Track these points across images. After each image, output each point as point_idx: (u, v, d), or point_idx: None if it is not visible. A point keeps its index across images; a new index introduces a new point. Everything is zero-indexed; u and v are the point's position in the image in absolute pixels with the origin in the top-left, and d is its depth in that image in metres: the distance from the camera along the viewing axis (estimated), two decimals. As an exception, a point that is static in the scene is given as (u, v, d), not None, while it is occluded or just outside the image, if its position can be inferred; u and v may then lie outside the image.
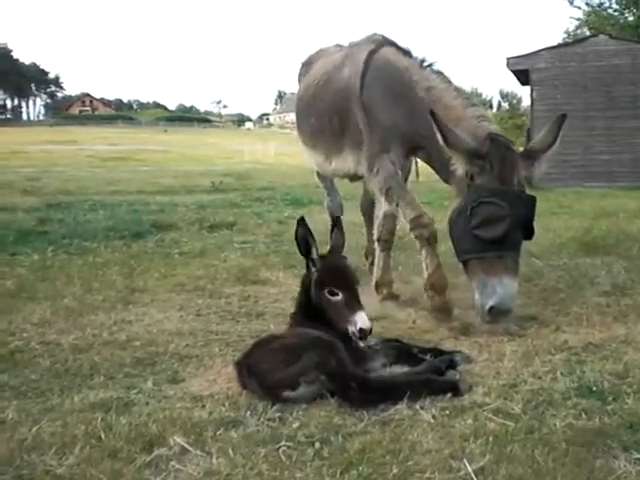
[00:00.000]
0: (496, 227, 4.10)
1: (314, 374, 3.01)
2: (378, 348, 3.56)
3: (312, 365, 3.01)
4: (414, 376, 3.23)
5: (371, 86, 5.04)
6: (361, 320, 3.41)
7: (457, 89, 4.69)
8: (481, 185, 4.20)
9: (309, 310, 3.59)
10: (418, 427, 2.79)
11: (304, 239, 3.58)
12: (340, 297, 3.50)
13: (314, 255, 3.59)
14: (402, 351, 3.60)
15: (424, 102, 4.59)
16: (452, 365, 3.43)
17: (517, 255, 4.25)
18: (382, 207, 5.10)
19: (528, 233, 4.29)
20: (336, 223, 3.86)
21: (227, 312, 4.80)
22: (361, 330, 3.39)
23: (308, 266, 3.64)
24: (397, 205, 4.91)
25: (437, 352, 3.68)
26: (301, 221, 3.61)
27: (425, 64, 4.85)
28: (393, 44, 5.19)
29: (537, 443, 2.60)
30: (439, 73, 4.79)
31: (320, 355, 3.04)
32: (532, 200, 4.25)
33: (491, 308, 4.10)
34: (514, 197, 4.15)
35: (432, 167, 4.87)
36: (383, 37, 5.35)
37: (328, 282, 3.53)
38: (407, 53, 5.05)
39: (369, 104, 5.03)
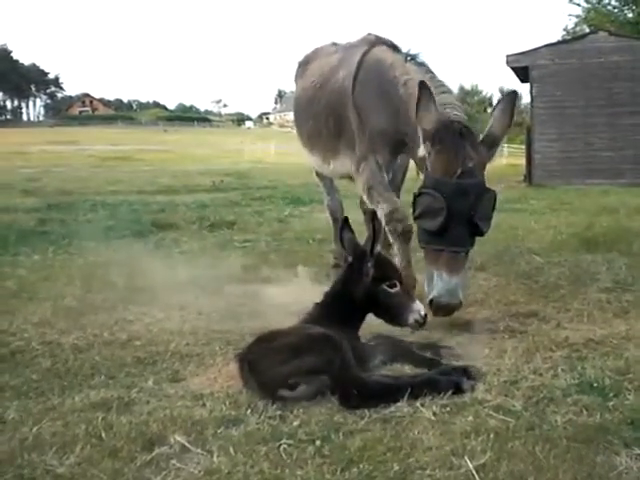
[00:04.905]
0: (433, 220, 3.99)
1: (314, 376, 3.02)
2: (376, 344, 3.56)
3: (313, 367, 3.02)
4: (416, 378, 3.22)
5: (362, 87, 5.05)
6: (422, 307, 3.56)
7: (432, 78, 4.58)
8: (427, 173, 4.16)
9: (342, 305, 3.60)
10: (419, 424, 2.78)
11: (374, 235, 3.61)
12: (399, 288, 3.58)
13: (375, 251, 3.63)
14: (399, 347, 3.60)
15: (402, 97, 4.60)
16: (467, 377, 3.28)
17: (460, 250, 4.08)
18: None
19: (476, 229, 4.08)
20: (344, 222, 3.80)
21: (228, 311, 4.79)
22: (425, 316, 3.55)
23: (361, 261, 3.62)
24: (377, 203, 4.93)
25: (434, 348, 3.69)
26: (376, 217, 3.76)
27: (409, 57, 4.83)
28: (385, 42, 5.18)
29: (538, 440, 2.60)
30: (421, 64, 4.76)
31: (324, 356, 3.03)
32: (479, 193, 4.03)
33: (430, 301, 4.07)
34: (453, 189, 3.96)
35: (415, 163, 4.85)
36: (376, 37, 5.35)
37: (388, 275, 3.60)
38: (396, 49, 5.04)
39: (360, 105, 5.04)
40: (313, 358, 3.03)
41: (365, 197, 5.11)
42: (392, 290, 3.57)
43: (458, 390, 3.10)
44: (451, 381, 3.16)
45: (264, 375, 3.07)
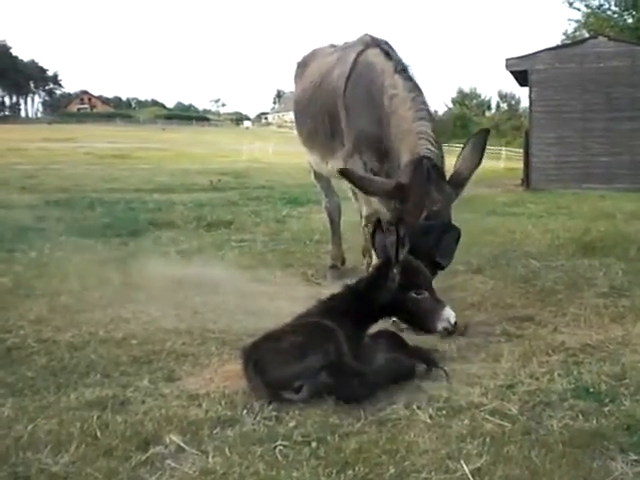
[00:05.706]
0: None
1: (316, 378, 3.04)
2: (377, 343, 3.55)
3: (316, 366, 3.03)
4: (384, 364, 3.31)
5: (353, 88, 5.10)
6: (452, 315, 3.47)
7: (415, 99, 4.61)
8: (395, 208, 4.22)
9: (358, 304, 3.55)
10: (415, 427, 2.79)
11: (398, 241, 3.55)
12: (427, 295, 3.52)
13: (401, 258, 3.56)
14: (395, 340, 3.59)
15: (386, 110, 4.64)
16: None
17: None
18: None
19: (437, 265, 4.11)
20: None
21: (224, 310, 4.79)
22: (455, 324, 3.47)
23: (387, 267, 3.57)
24: (359, 203, 5.13)
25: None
26: (402, 223, 3.70)
27: (399, 68, 4.83)
28: (379, 45, 5.17)
29: (534, 444, 2.61)
30: (409, 79, 4.77)
31: (324, 351, 3.04)
32: (442, 233, 4.08)
33: (393, 321, 4.07)
34: (416, 231, 3.95)
35: None
36: (371, 38, 5.35)
37: (415, 282, 3.53)
38: (388, 54, 5.03)
39: (349, 106, 5.10)
40: (317, 356, 3.04)
41: (350, 193, 5.27)
42: (420, 297, 3.50)
43: (410, 376, 3.24)
44: (408, 366, 3.29)
45: (269, 375, 3.07)
